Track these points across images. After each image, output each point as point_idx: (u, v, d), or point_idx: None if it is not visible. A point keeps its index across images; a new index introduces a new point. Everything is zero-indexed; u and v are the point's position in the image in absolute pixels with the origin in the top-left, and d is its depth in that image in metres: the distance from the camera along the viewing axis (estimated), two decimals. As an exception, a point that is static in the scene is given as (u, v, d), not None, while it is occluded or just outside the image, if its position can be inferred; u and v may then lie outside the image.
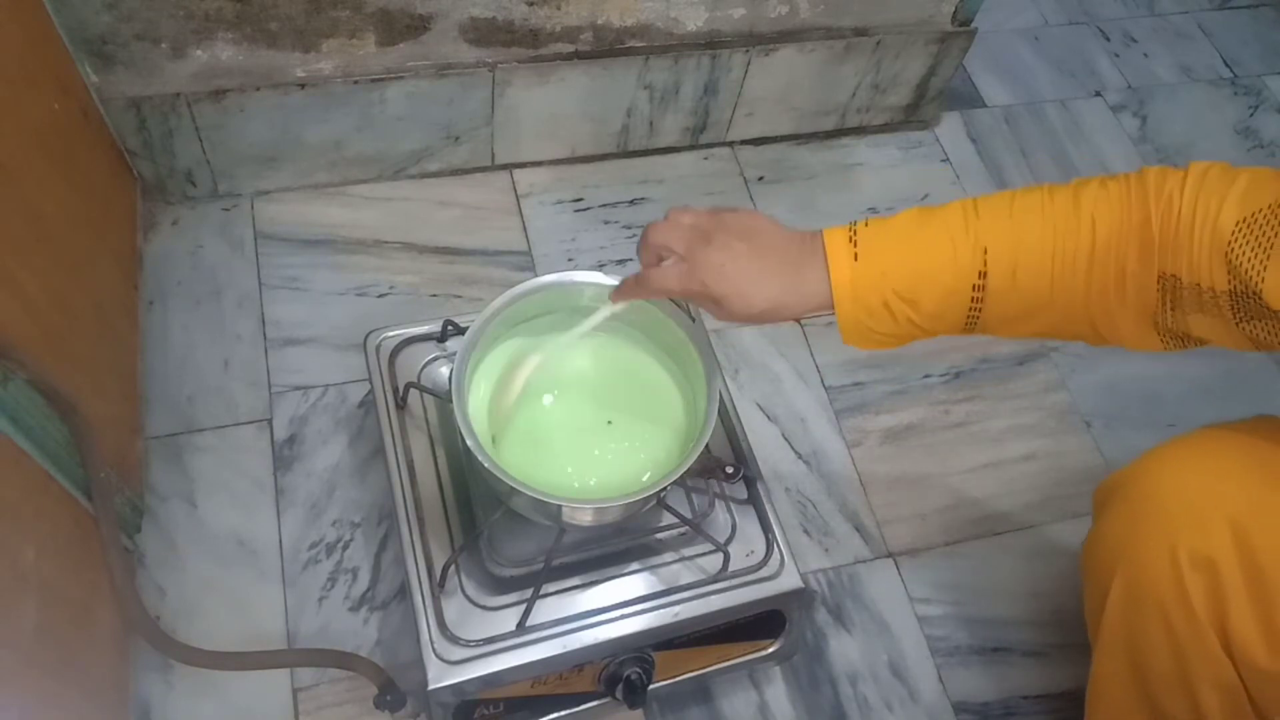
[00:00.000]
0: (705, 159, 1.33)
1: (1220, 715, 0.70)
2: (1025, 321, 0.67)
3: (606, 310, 0.75)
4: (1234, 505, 0.66)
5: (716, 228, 0.68)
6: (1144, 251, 0.63)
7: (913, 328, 0.68)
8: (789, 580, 0.82)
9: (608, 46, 1.16)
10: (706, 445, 0.73)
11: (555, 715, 0.85)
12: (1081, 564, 0.78)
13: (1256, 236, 0.58)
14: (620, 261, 1.22)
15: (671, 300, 0.78)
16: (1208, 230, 0.60)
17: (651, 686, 0.83)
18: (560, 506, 0.72)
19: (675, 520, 0.81)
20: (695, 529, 0.81)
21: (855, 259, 0.66)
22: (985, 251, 0.65)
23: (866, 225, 0.67)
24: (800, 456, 1.11)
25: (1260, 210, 0.58)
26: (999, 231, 0.65)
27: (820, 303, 0.67)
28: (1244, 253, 0.59)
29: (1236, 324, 0.61)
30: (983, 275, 0.65)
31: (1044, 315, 0.67)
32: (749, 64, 1.23)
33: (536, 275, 0.79)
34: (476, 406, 0.79)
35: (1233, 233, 0.59)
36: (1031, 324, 0.67)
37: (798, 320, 0.68)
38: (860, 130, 1.40)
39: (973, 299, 0.66)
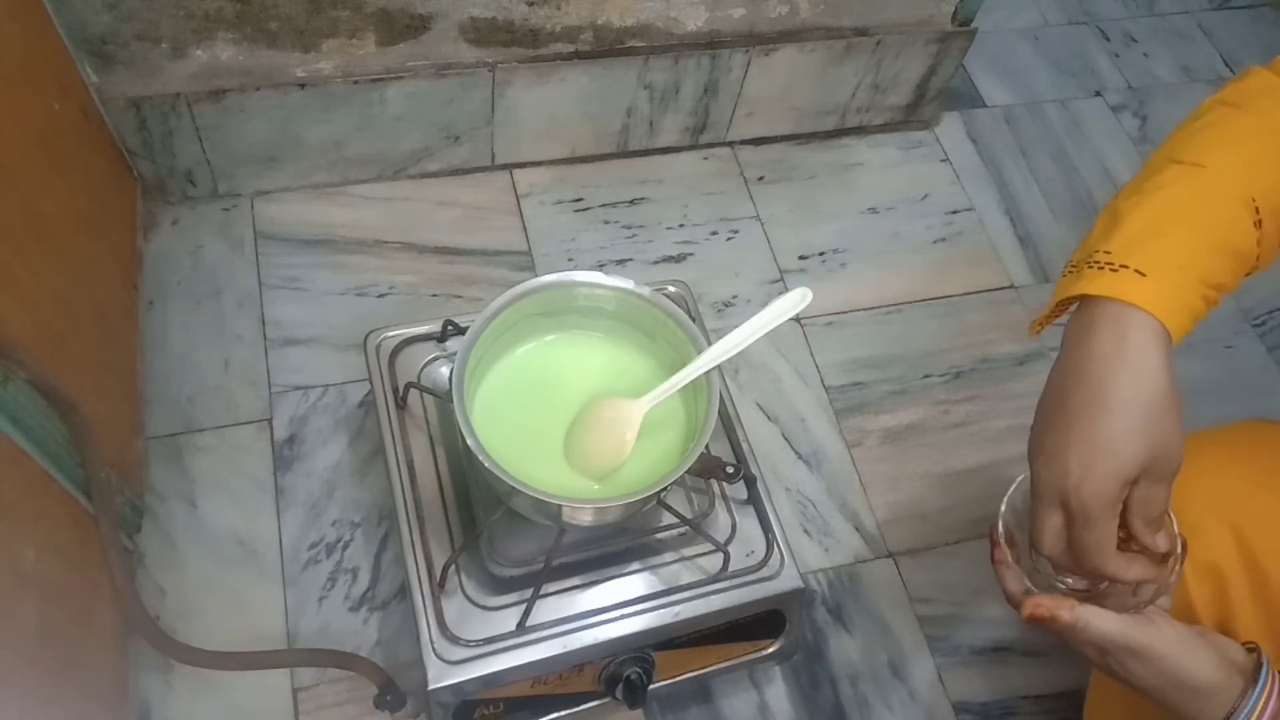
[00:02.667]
0: (705, 159, 1.33)
1: None
2: None
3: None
4: (1233, 510, 0.66)
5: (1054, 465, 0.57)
6: None
7: (1219, 293, 0.58)
8: (789, 580, 0.82)
9: (608, 46, 1.16)
10: (706, 445, 0.73)
11: (555, 715, 0.85)
12: None
13: None
14: (620, 261, 1.22)
15: (669, 300, 0.78)
16: None
17: (651, 686, 0.83)
18: (560, 506, 0.71)
19: (675, 520, 0.81)
20: (695, 529, 0.81)
21: (1142, 275, 0.55)
22: (1246, 197, 0.57)
23: (1115, 250, 0.55)
24: (800, 456, 1.11)
25: None
26: (1250, 174, 0.58)
27: (1153, 342, 0.57)
28: None
29: None
30: (1257, 217, 0.57)
31: None
32: (749, 64, 1.23)
33: (536, 275, 0.79)
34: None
35: None
36: None
37: None
38: (860, 130, 1.40)
39: (1257, 239, 0.58)
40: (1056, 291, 0.59)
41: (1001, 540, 0.64)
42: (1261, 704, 0.56)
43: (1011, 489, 0.65)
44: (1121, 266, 0.55)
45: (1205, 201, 0.57)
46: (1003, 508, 0.65)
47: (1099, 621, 0.58)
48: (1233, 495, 0.67)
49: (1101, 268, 0.55)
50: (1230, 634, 0.66)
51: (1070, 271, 0.58)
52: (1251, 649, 0.60)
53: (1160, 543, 0.57)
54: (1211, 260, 0.56)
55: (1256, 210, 0.57)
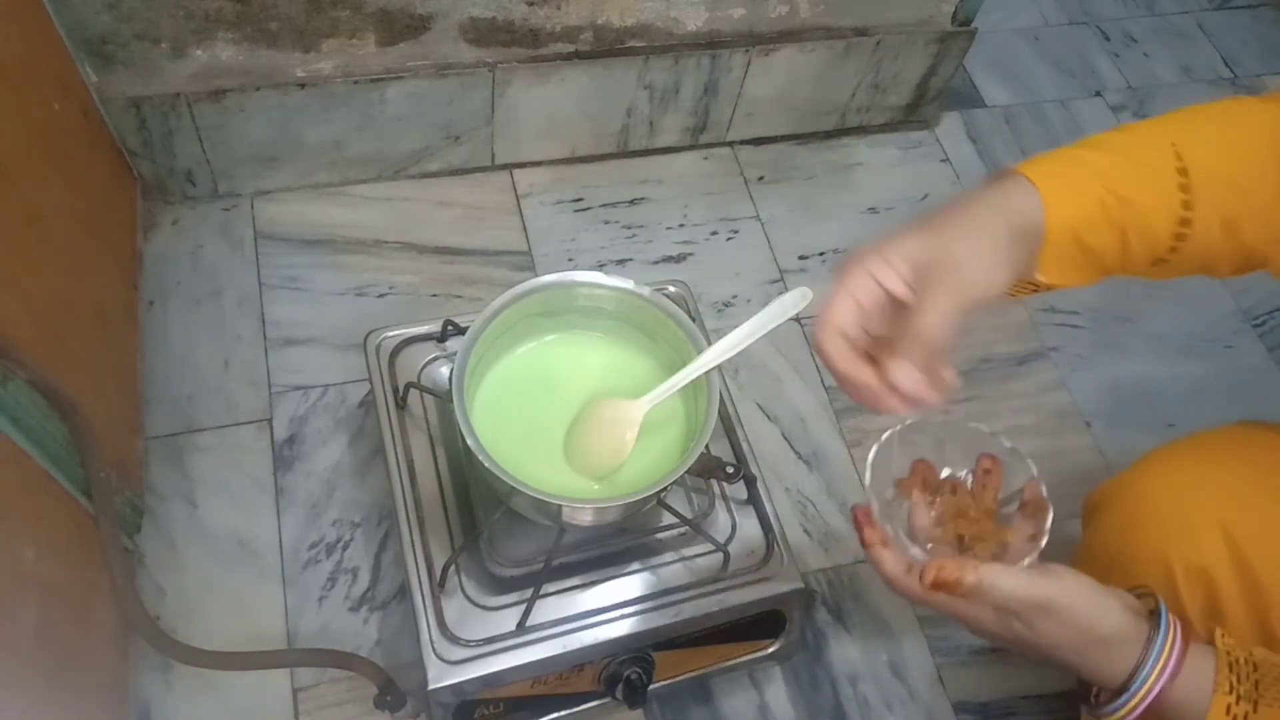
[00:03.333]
0: (705, 159, 1.33)
1: None
2: (1233, 232, 0.59)
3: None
4: (1224, 513, 0.66)
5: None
6: None
7: (1118, 240, 0.58)
8: (789, 580, 0.82)
9: (608, 46, 1.16)
10: (706, 445, 0.73)
11: (555, 715, 0.85)
12: None
13: None
14: (620, 261, 1.22)
15: (667, 297, 0.78)
16: None
17: (651, 686, 0.83)
18: (560, 506, 0.72)
19: (675, 520, 0.81)
20: (695, 529, 0.81)
21: (1052, 162, 0.58)
22: (1175, 151, 0.58)
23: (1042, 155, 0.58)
24: (800, 456, 1.11)
25: None
26: (1188, 134, 0.59)
27: (1024, 213, 0.55)
28: None
29: None
30: (1182, 171, 0.58)
31: (1239, 233, 0.59)
32: (749, 64, 1.23)
33: (536, 275, 0.79)
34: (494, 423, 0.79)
35: None
36: (1240, 235, 0.59)
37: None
38: (860, 130, 1.40)
39: (1182, 202, 0.58)
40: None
41: (876, 518, 0.61)
42: (1166, 650, 0.55)
43: (871, 464, 0.61)
44: (1044, 157, 0.58)
45: (1138, 141, 0.59)
46: (868, 479, 0.61)
47: (1004, 580, 0.56)
48: (1223, 498, 0.67)
49: (1036, 159, 0.58)
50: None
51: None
52: (1144, 593, 0.59)
53: (948, 377, 0.54)
54: (1122, 173, 0.57)
55: (1183, 173, 0.57)
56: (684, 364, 0.77)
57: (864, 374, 0.54)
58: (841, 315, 0.54)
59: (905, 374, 0.52)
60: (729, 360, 0.74)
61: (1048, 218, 0.56)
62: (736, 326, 0.73)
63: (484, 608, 0.78)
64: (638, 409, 0.76)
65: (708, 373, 0.75)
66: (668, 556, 0.82)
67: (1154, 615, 0.57)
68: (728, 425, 0.91)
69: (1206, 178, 0.57)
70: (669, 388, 0.75)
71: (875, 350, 0.55)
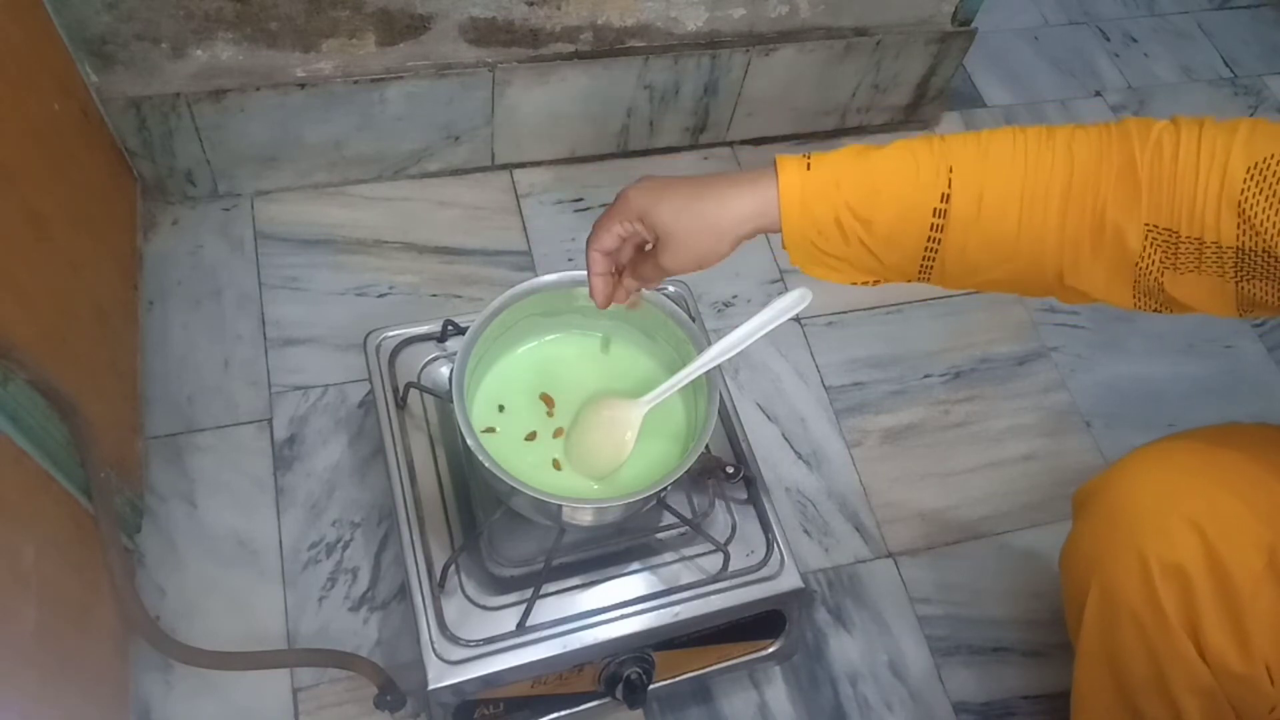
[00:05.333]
0: (705, 159, 1.33)
1: (1201, 719, 0.70)
2: (988, 269, 0.63)
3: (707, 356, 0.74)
4: (1201, 513, 0.66)
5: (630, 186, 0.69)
6: (1128, 198, 0.58)
7: (864, 253, 0.63)
8: (789, 580, 0.82)
9: (608, 46, 1.16)
10: (706, 445, 0.73)
11: (555, 715, 0.85)
12: (1060, 571, 0.78)
13: (1270, 185, 0.54)
14: (620, 261, 1.22)
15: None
16: (1215, 179, 0.56)
17: (651, 686, 0.83)
18: (560, 506, 0.72)
19: (675, 520, 0.81)
20: (695, 529, 0.81)
21: (808, 167, 0.62)
22: (950, 171, 0.60)
23: (823, 152, 0.64)
24: (800, 456, 1.11)
25: (1270, 158, 0.55)
26: (966, 155, 0.61)
27: (758, 209, 0.63)
28: (1258, 204, 0.54)
29: (1236, 282, 0.58)
30: (945, 199, 0.60)
31: (1008, 261, 0.62)
32: (749, 64, 1.23)
33: (536, 275, 0.79)
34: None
35: (1244, 180, 0.55)
36: (995, 272, 0.63)
37: (737, 244, 0.67)
38: (860, 130, 1.40)
39: (932, 225, 0.61)
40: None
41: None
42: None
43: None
44: (808, 156, 0.63)
45: (909, 156, 0.62)
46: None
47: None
48: (1199, 498, 0.67)
49: (806, 155, 0.64)
50: (1198, 635, 0.67)
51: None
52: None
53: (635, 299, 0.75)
54: (871, 197, 0.62)
55: (950, 183, 0.61)
56: (684, 364, 0.77)
57: (604, 281, 0.72)
58: (603, 244, 0.70)
59: (624, 290, 0.73)
60: (729, 360, 0.74)
61: (782, 223, 0.63)
62: (736, 327, 0.73)
63: (484, 608, 0.78)
64: (638, 409, 0.76)
65: (708, 373, 0.75)
66: (668, 556, 0.82)
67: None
68: (728, 425, 0.91)
69: (970, 204, 0.61)
70: (669, 388, 0.75)
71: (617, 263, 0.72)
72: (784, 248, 0.65)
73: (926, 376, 1.19)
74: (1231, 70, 1.62)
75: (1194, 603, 0.66)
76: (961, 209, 0.61)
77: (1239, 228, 0.56)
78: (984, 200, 0.60)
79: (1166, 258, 0.59)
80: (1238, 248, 0.56)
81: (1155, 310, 0.62)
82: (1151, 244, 0.59)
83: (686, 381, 0.75)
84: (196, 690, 0.88)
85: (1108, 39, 1.63)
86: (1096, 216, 0.59)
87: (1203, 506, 0.66)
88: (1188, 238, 0.57)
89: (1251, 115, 1.56)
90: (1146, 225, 0.58)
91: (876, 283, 0.67)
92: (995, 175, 0.60)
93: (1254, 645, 0.65)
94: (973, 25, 1.30)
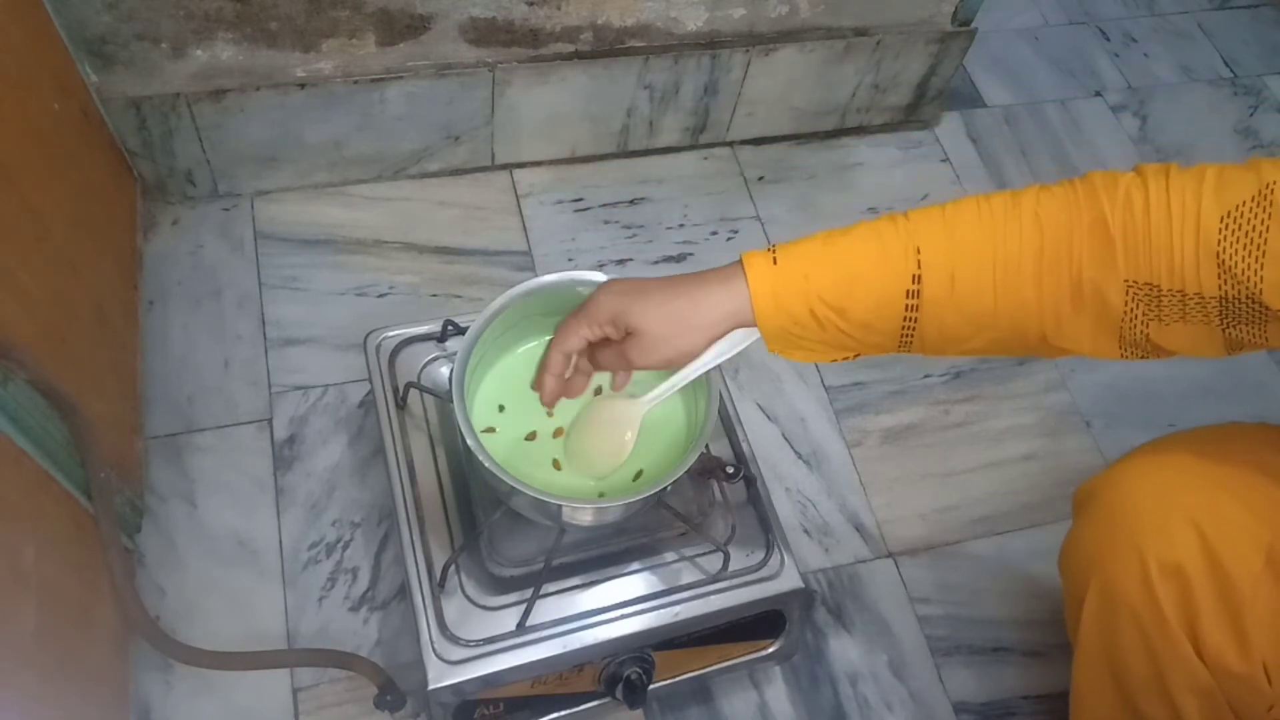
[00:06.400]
0: (705, 159, 1.33)
1: (1199, 719, 0.70)
2: (969, 338, 0.63)
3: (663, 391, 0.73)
4: (1200, 512, 0.66)
5: (601, 284, 0.68)
6: (1103, 256, 0.58)
7: (841, 336, 0.63)
8: (789, 580, 0.82)
9: (608, 46, 1.16)
10: (706, 445, 0.73)
11: (555, 715, 0.85)
12: (1059, 570, 0.78)
13: (1246, 232, 0.54)
14: (620, 261, 1.22)
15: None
16: (1190, 230, 0.55)
17: (651, 686, 0.83)
18: (560, 506, 0.72)
19: (675, 520, 0.81)
20: (695, 529, 0.81)
21: (774, 263, 0.62)
22: (918, 252, 0.60)
23: (786, 244, 0.64)
24: (800, 456, 1.11)
25: (1241, 204, 0.54)
26: (932, 234, 0.61)
27: (733, 309, 0.63)
28: (1236, 252, 0.54)
29: (1223, 329, 0.58)
30: (917, 280, 0.60)
31: (989, 330, 0.62)
32: (749, 64, 1.23)
33: (536, 275, 0.79)
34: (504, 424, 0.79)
35: (1219, 230, 0.55)
36: (976, 341, 0.63)
37: (711, 344, 0.68)
38: (860, 130, 1.40)
39: (907, 307, 0.61)
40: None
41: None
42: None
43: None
44: (773, 251, 0.63)
45: (875, 241, 0.62)
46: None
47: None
48: (1198, 497, 0.67)
49: (771, 248, 0.64)
50: (1197, 635, 0.67)
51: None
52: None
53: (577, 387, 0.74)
54: (842, 286, 0.62)
55: (919, 264, 0.61)
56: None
57: (555, 382, 0.72)
58: (568, 346, 0.69)
59: (575, 384, 0.74)
60: (729, 360, 0.74)
61: (758, 323, 0.63)
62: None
63: (484, 608, 0.78)
64: (638, 409, 0.76)
65: (707, 373, 0.75)
66: (668, 556, 0.82)
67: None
68: (728, 425, 0.91)
69: (942, 286, 0.61)
70: (669, 388, 0.75)
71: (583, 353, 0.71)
72: (764, 340, 0.65)
73: (926, 376, 1.19)
74: (1231, 70, 1.62)
75: (1193, 602, 0.66)
76: (934, 288, 0.61)
77: (1219, 278, 0.56)
78: (956, 278, 0.60)
79: (1150, 311, 0.59)
80: (1220, 297, 0.56)
81: (1143, 358, 0.62)
82: (1133, 299, 0.58)
83: (686, 382, 0.75)
84: (196, 690, 0.88)
85: (1108, 39, 1.63)
86: (1074, 278, 0.59)
87: (1202, 506, 0.66)
88: (1169, 291, 0.57)
89: (1250, 115, 1.56)
90: (1126, 282, 0.58)
91: (856, 356, 0.67)
92: (964, 251, 0.60)
93: (1252, 645, 0.65)
94: (973, 25, 1.30)
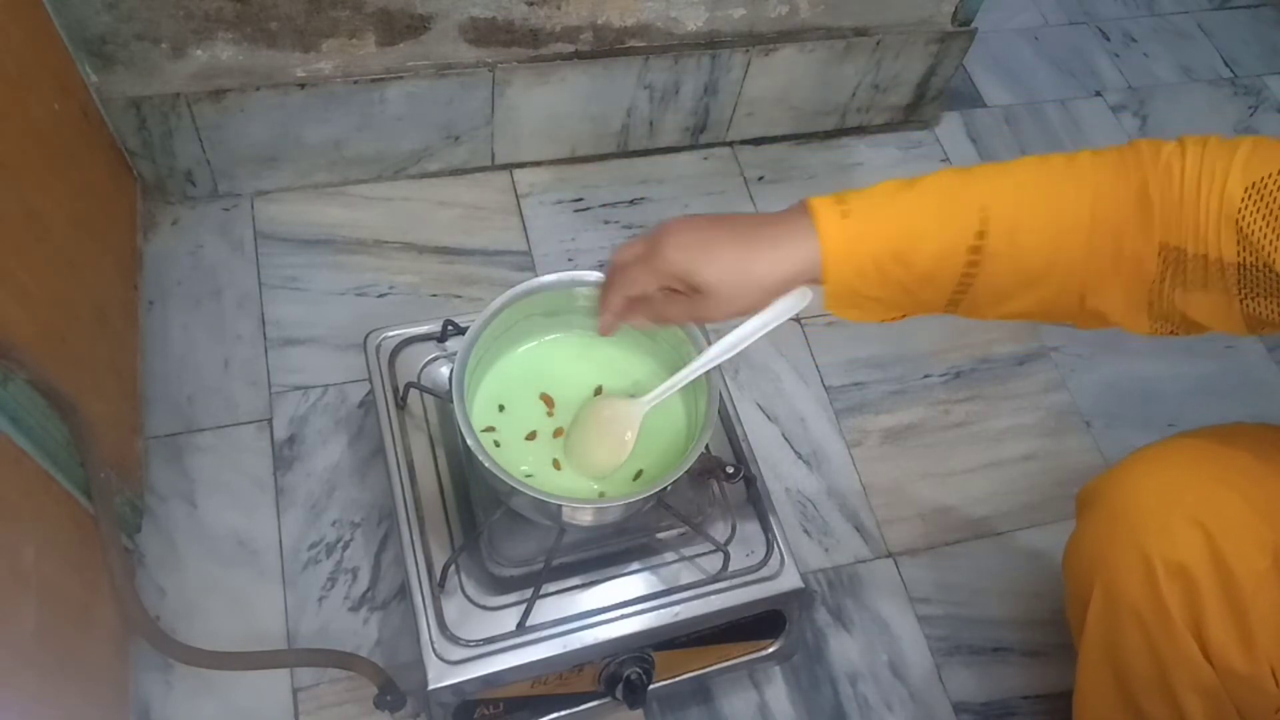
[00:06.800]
0: (705, 159, 1.33)
1: (1204, 719, 0.70)
2: (1017, 296, 0.64)
3: (705, 360, 0.73)
4: (1205, 512, 0.66)
5: (665, 227, 0.67)
6: (1143, 220, 0.60)
7: (899, 292, 0.64)
8: (789, 580, 0.82)
9: (608, 46, 1.16)
10: (706, 445, 0.73)
11: (555, 715, 0.85)
12: (1063, 570, 0.78)
13: (1267, 204, 0.56)
14: (620, 261, 1.22)
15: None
16: (1215, 197, 0.58)
17: (651, 686, 0.83)
18: (560, 506, 0.72)
19: (675, 520, 0.81)
20: (695, 529, 0.81)
21: (844, 215, 0.62)
22: (984, 209, 0.62)
23: (853, 192, 0.64)
24: (800, 456, 1.11)
25: (1268, 176, 0.56)
26: (997, 191, 0.62)
27: (803, 267, 0.63)
28: (1255, 221, 0.56)
29: (1240, 300, 0.59)
30: (981, 235, 0.62)
31: (1038, 288, 0.63)
32: (749, 64, 1.23)
33: (536, 275, 0.79)
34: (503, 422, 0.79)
35: (1242, 199, 0.57)
36: (1023, 299, 0.64)
37: (778, 295, 0.67)
38: (860, 130, 1.40)
39: (968, 262, 0.62)
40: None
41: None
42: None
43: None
44: (842, 201, 0.63)
45: (943, 195, 0.63)
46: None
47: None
48: (1203, 497, 0.67)
49: (838, 197, 0.64)
50: (1202, 635, 0.67)
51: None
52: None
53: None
54: (909, 238, 0.62)
55: (985, 221, 0.62)
56: (684, 364, 0.77)
57: (615, 319, 0.72)
58: (631, 292, 0.70)
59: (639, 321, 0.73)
60: (729, 360, 0.74)
61: (825, 276, 0.63)
62: (737, 326, 0.73)
63: (484, 608, 0.78)
64: (638, 409, 0.76)
65: (708, 373, 0.75)
66: (668, 556, 0.82)
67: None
68: (728, 425, 0.91)
69: (1004, 241, 0.62)
70: (669, 388, 0.75)
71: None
72: (826, 296, 0.65)
73: (926, 376, 1.19)
74: (1231, 70, 1.62)
75: (1198, 602, 0.66)
76: (997, 242, 0.62)
77: (1238, 244, 0.57)
78: (1017, 233, 0.62)
79: (1176, 275, 0.60)
80: (1239, 264, 0.58)
81: (1171, 333, 0.64)
82: (1164, 263, 0.60)
83: (686, 381, 0.75)
84: (196, 690, 0.88)
85: (1108, 39, 1.63)
86: (1117, 242, 0.61)
87: (1207, 506, 0.66)
88: (1194, 255, 0.59)
89: (1250, 115, 1.56)
90: (1160, 244, 0.60)
91: (901, 317, 0.68)
92: (1027, 209, 0.62)
93: (1258, 645, 0.65)
94: (973, 25, 1.30)
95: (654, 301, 0.69)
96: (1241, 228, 0.57)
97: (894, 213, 0.63)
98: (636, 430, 0.76)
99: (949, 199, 0.63)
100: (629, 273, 0.68)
